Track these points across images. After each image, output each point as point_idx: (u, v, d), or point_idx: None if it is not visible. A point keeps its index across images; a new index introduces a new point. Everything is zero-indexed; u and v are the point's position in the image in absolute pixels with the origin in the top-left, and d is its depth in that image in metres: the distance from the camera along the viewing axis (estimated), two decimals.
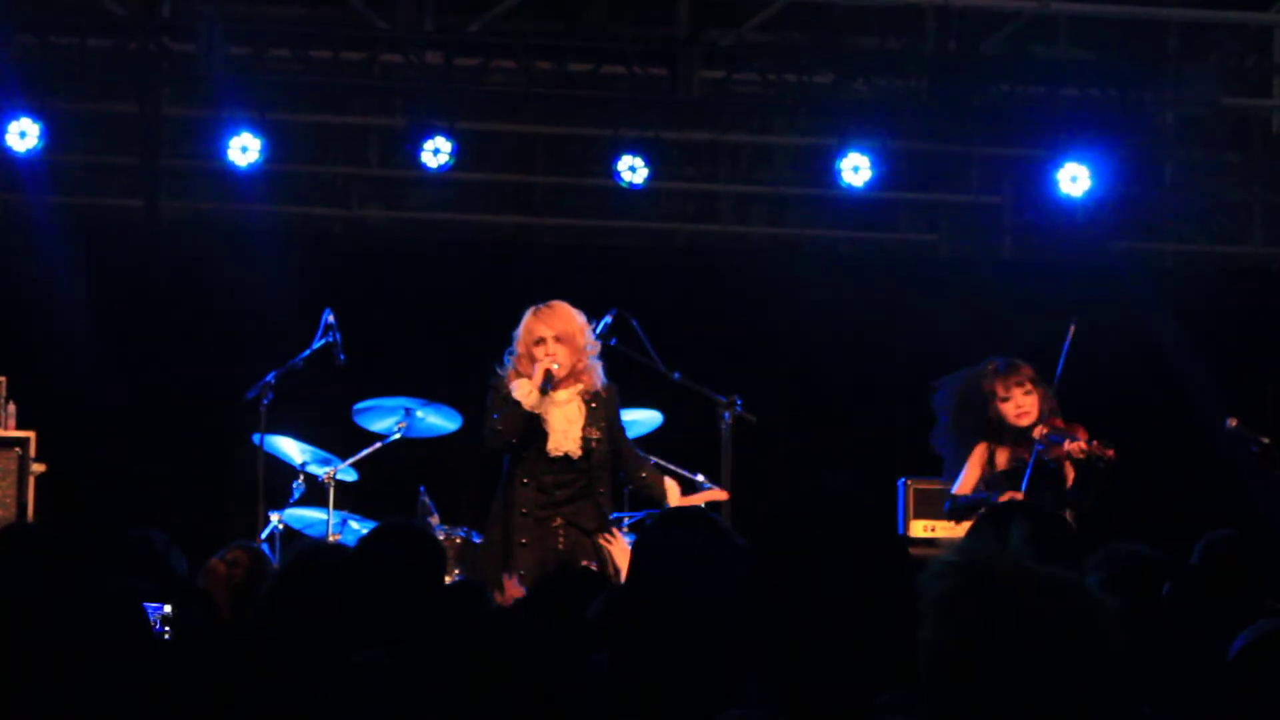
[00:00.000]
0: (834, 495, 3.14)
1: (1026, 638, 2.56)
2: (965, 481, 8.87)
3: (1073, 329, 9.02)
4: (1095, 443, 8.76)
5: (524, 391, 8.33)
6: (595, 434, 8.39)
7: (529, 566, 8.06)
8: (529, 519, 8.28)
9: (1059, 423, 8.85)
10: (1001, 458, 8.85)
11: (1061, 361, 8.95)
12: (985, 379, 8.90)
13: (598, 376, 8.49)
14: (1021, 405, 8.82)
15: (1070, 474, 8.80)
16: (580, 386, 8.44)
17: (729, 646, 3.57)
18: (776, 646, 3.05)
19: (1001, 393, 8.82)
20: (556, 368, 8.35)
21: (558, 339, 8.38)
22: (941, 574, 2.63)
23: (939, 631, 2.60)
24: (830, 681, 3.01)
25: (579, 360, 8.41)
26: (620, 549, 8.04)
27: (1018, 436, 8.83)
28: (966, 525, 8.52)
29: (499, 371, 8.52)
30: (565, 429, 8.35)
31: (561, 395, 8.39)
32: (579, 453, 8.36)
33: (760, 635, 3.07)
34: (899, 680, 2.90)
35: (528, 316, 8.51)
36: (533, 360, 8.39)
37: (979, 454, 8.87)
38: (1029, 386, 8.83)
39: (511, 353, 8.51)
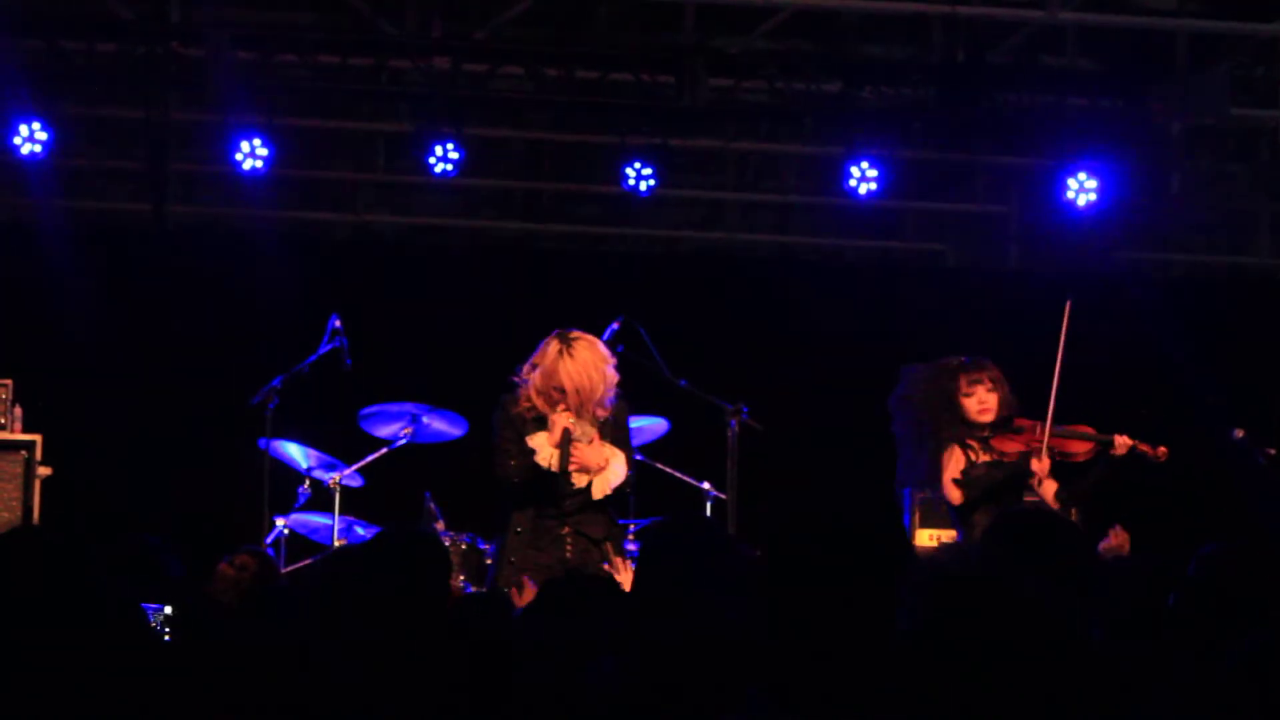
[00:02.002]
0: (840, 507, 3.15)
1: (1000, 659, 2.59)
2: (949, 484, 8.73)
3: (1069, 306, 8.94)
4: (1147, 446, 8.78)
5: (545, 455, 8.13)
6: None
7: (537, 575, 8.01)
8: (524, 535, 8.22)
9: (1021, 422, 8.81)
10: (980, 457, 8.75)
11: (1062, 342, 8.88)
12: (947, 375, 8.84)
13: (609, 403, 8.30)
14: (984, 401, 8.77)
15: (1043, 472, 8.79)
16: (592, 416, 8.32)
17: (730, 652, 3.57)
18: (779, 655, 3.05)
19: (964, 388, 8.79)
20: (573, 423, 8.18)
21: (579, 392, 8.13)
22: (917, 591, 2.66)
23: (917, 652, 2.63)
24: (830, 690, 3.01)
25: (598, 405, 8.24)
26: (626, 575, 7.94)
27: (990, 433, 8.76)
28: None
29: (515, 382, 8.26)
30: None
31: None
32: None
33: (763, 643, 3.07)
34: (899, 689, 2.91)
35: (553, 352, 8.15)
36: (549, 401, 8.15)
37: (956, 455, 8.75)
38: (989, 385, 8.79)
39: (530, 363, 8.26)
